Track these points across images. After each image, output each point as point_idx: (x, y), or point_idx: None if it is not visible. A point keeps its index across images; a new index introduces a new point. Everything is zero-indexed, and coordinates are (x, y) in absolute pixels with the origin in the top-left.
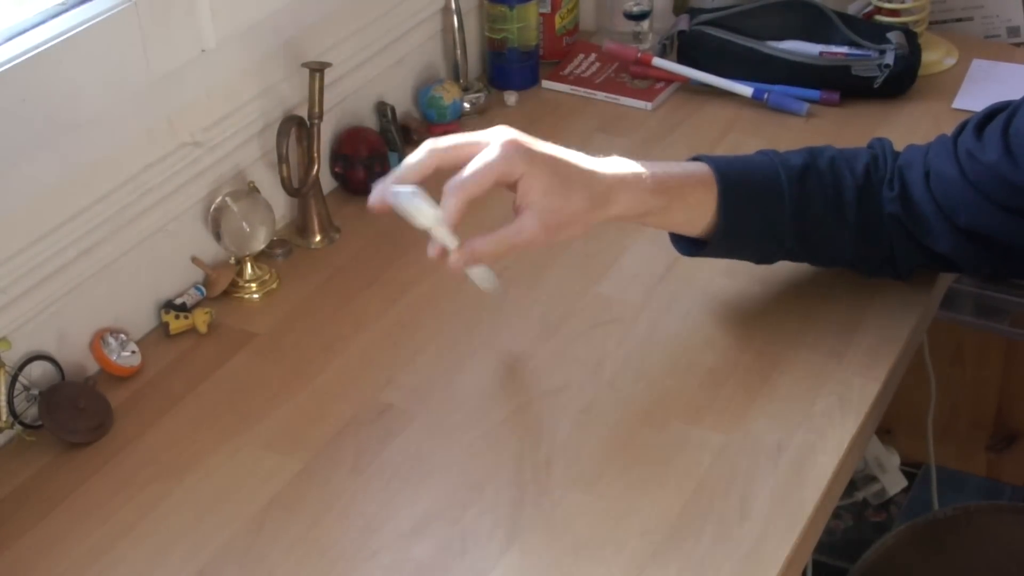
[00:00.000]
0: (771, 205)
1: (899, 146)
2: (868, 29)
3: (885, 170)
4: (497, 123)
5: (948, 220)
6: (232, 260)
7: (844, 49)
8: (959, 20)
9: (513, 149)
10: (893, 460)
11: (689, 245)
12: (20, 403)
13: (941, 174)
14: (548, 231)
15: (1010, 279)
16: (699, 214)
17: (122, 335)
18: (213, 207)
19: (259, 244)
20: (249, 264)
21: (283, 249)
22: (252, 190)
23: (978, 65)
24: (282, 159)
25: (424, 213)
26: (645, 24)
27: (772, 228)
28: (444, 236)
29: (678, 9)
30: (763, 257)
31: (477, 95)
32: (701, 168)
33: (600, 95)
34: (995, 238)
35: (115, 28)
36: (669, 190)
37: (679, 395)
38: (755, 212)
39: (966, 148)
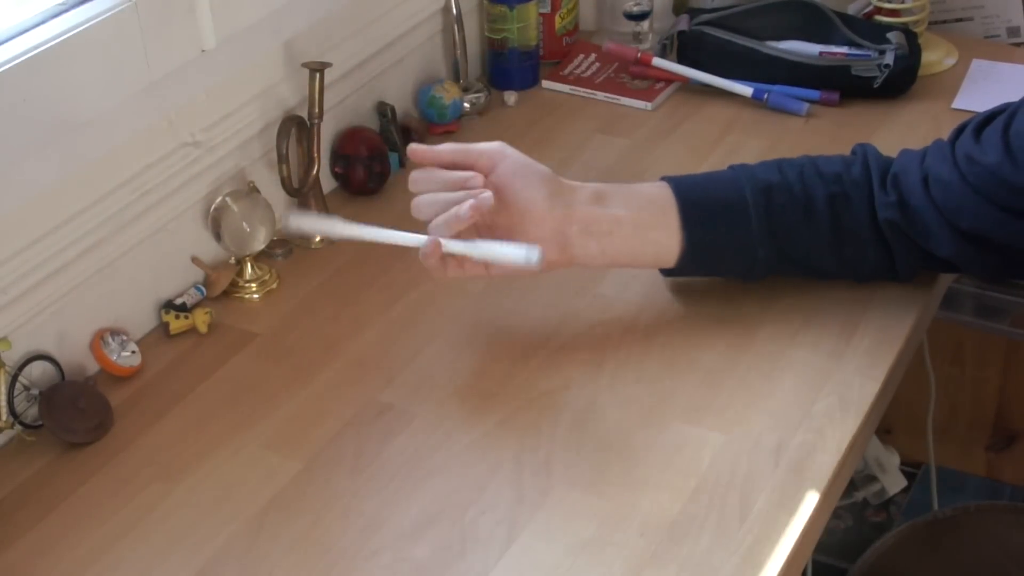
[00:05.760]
0: (735, 219)
1: (898, 146)
2: (868, 29)
3: (863, 174)
4: (497, 123)
5: (949, 224)
6: (232, 260)
7: (844, 49)
8: (959, 20)
9: (497, 144)
10: (893, 460)
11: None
12: (20, 403)
13: (940, 179)
14: (507, 205)
15: (1011, 280)
16: (661, 222)
17: (122, 335)
18: (213, 207)
19: (259, 244)
20: (249, 264)
21: (283, 249)
22: (252, 190)
23: (978, 65)
24: (282, 159)
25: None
26: (645, 24)
27: (740, 242)
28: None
29: (678, 9)
30: (743, 273)
31: (477, 95)
32: (660, 186)
33: (600, 95)
34: (997, 240)
35: (115, 28)
36: (630, 200)
37: (679, 395)
38: (719, 227)
39: (965, 152)
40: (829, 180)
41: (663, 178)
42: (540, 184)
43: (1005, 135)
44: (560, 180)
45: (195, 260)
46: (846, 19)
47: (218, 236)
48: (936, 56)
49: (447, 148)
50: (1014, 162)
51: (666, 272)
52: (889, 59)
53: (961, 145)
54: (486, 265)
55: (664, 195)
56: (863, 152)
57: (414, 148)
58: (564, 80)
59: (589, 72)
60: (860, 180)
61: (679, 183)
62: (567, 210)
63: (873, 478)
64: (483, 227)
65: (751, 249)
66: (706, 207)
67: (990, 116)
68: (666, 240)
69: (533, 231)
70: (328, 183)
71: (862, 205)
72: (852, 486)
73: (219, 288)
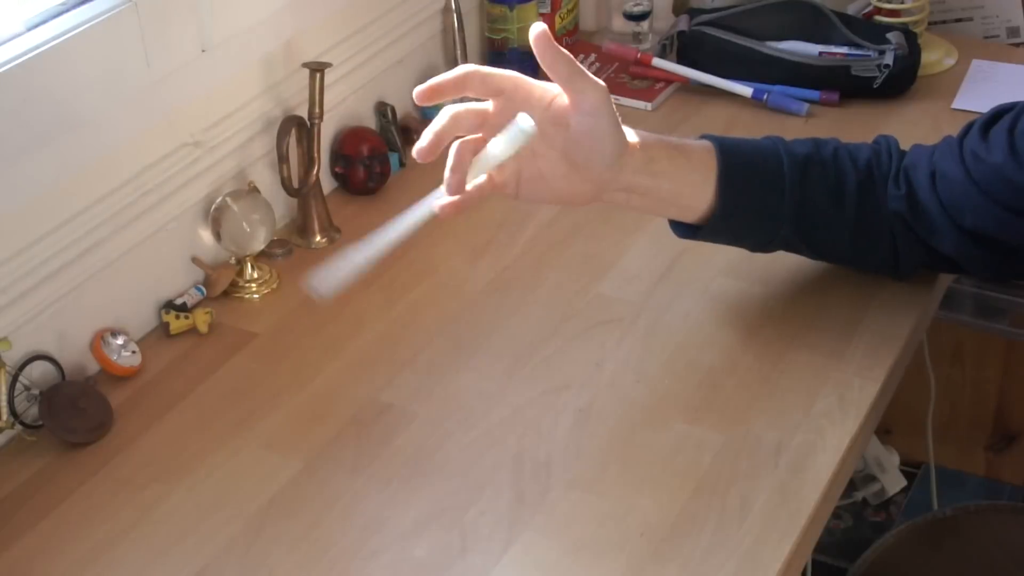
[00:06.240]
0: (771, 189)
1: (901, 147)
2: (868, 29)
3: (888, 166)
4: None
5: (953, 221)
6: (232, 260)
7: (844, 49)
8: (959, 20)
9: (599, 94)
10: (893, 460)
11: (686, 227)
12: (20, 403)
13: (947, 175)
14: (569, 150)
15: (1014, 280)
16: (700, 190)
17: (122, 335)
18: (213, 207)
19: (259, 244)
20: (249, 264)
21: (283, 249)
22: (252, 190)
23: (978, 65)
24: (282, 159)
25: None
26: (645, 24)
27: (770, 212)
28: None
29: (678, 9)
30: (759, 244)
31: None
32: (705, 147)
33: None
34: (1000, 239)
35: (115, 28)
36: (676, 168)
37: (679, 395)
38: (754, 194)
39: (971, 149)
40: (860, 167)
41: (708, 137)
42: (610, 152)
43: (1011, 135)
44: (626, 143)
45: (195, 260)
46: (846, 19)
47: (218, 236)
48: (936, 56)
49: (561, 61)
50: (1018, 162)
51: (682, 234)
52: (889, 59)
53: (968, 143)
54: (516, 185)
55: (708, 162)
56: (887, 143)
57: (539, 33)
58: None
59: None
60: (886, 172)
61: (724, 149)
62: (617, 173)
63: (873, 478)
64: (525, 159)
65: (776, 222)
66: (745, 177)
67: (998, 114)
68: (697, 205)
69: (577, 180)
70: (328, 183)
71: (884, 196)
72: (852, 486)
73: (219, 288)
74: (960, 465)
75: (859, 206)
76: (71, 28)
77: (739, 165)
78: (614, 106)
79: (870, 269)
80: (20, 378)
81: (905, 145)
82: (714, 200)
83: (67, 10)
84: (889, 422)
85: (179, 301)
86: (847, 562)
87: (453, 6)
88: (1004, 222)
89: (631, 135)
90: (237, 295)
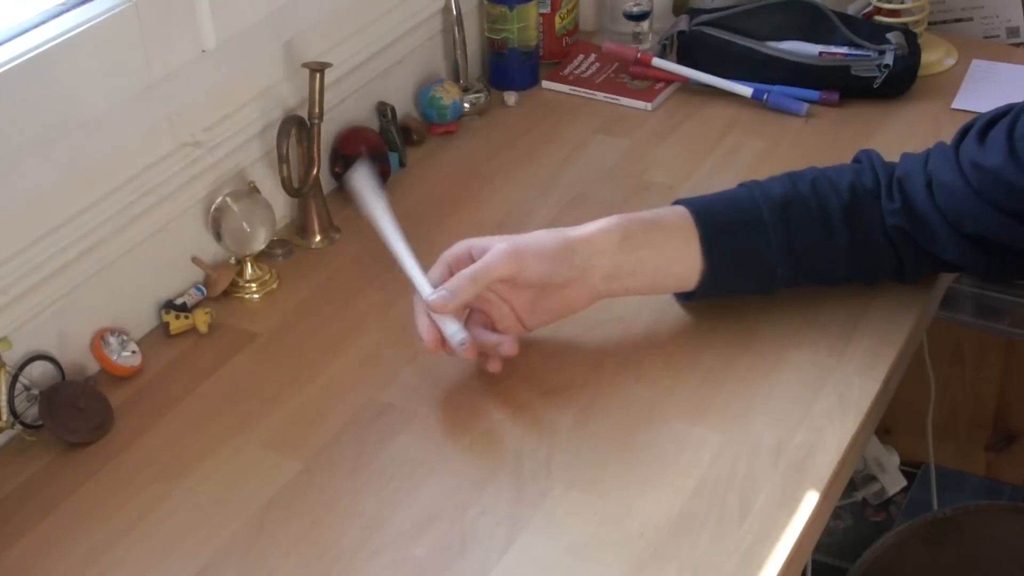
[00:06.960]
0: (756, 240)
1: (898, 146)
2: (868, 29)
3: (875, 182)
4: (497, 124)
5: (954, 229)
6: (232, 260)
7: (844, 49)
8: (959, 20)
9: (501, 256)
10: (893, 460)
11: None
12: (20, 403)
13: (944, 183)
14: (520, 287)
15: (1014, 280)
16: (685, 255)
17: (122, 335)
18: (213, 207)
19: (259, 244)
20: (249, 264)
21: (283, 249)
22: (252, 190)
23: (978, 65)
24: (282, 159)
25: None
26: (645, 24)
27: (761, 262)
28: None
29: (678, 9)
30: (759, 290)
31: (477, 95)
32: (680, 213)
33: (600, 95)
34: (1002, 243)
35: (115, 28)
36: (653, 238)
37: (679, 395)
38: (740, 247)
39: (969, 155)
40: (843, 192)
41: (679, 202)
42: (547, 263)
43: (1010, 137)
44: (570, 242)
45: (195, 260)
46: (846, 19)
47: (218, 236)
48: (936, 56)
49: (467, 289)
50: (1018, 164)
51: (682, 298)
52: (889, 59)
53: (965, 149)
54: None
55: (686, 226)
56: (869, 159)
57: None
58: (564, 80)
59: (589, 72)
60: (872, 189)
61: (699, 212)
62: (587, 263)
63: (873, 478)
64: (512, 298)
65: (770, 268)
66: (726, 234)
67: (994, 118)
68: (687, 272)
69: (557, 294)
70: (328, 183)
71: (875, 214)
72: (852, 486)
73: (219, 288)
74: (960, 465)
75: (850, 230)
76: (71, 28)
77: (718, 223)
78: (517, 243)
79: (876, 282)
80: (20, 378)
81: (904, 146)
82: (702, 261)
83: (67, 10)
84: (889, 422)
85: (179, 301)
86: (847, 562)
87: (453, 6)
88: (1005, 226)
89: (595, 225)
90: (237, 295)
